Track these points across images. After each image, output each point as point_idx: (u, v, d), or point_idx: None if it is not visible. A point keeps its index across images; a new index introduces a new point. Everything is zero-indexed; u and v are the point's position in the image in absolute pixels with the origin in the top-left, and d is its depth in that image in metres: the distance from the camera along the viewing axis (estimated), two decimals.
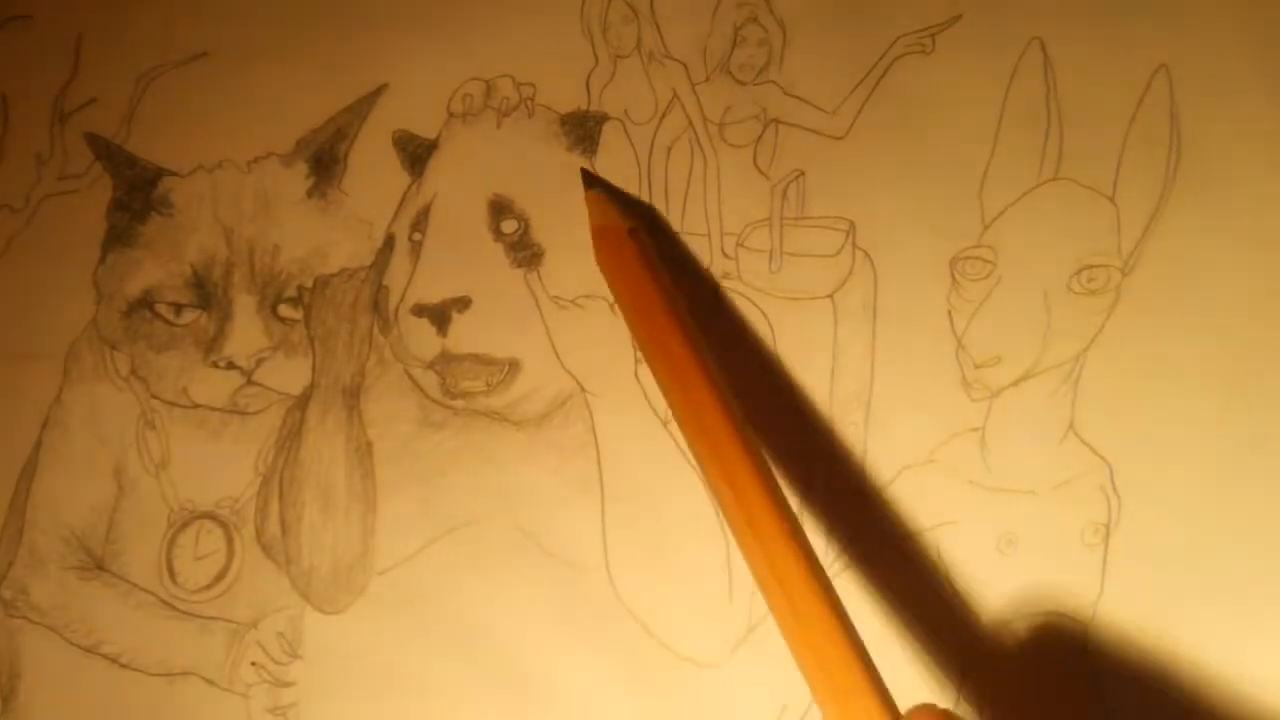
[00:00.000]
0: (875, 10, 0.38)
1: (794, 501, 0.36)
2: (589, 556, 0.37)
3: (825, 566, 0.35)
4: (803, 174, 0.38)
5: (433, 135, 0.40)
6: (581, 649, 0.37)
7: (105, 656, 0.39)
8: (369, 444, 0.39)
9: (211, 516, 0.39)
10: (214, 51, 0.41)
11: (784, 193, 0.38)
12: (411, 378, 0.39)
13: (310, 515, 0.39)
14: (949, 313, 0.36)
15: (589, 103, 0.39)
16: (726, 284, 0.38)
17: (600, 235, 0.37)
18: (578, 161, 0.39)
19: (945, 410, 0.36)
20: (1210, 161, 0.36)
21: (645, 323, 0.34)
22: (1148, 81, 0.36)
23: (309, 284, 0.40)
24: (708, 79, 0.39)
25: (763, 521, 0.30)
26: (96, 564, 0.39)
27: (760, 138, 0.38)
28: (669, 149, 0.39)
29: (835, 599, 0.30)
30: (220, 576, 0.39)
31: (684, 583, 0.36)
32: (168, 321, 0.40)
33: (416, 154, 0.40)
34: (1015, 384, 0.36)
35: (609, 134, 0.39)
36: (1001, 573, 0.35)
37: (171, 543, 0.39)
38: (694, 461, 0.33)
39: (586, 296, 0.38)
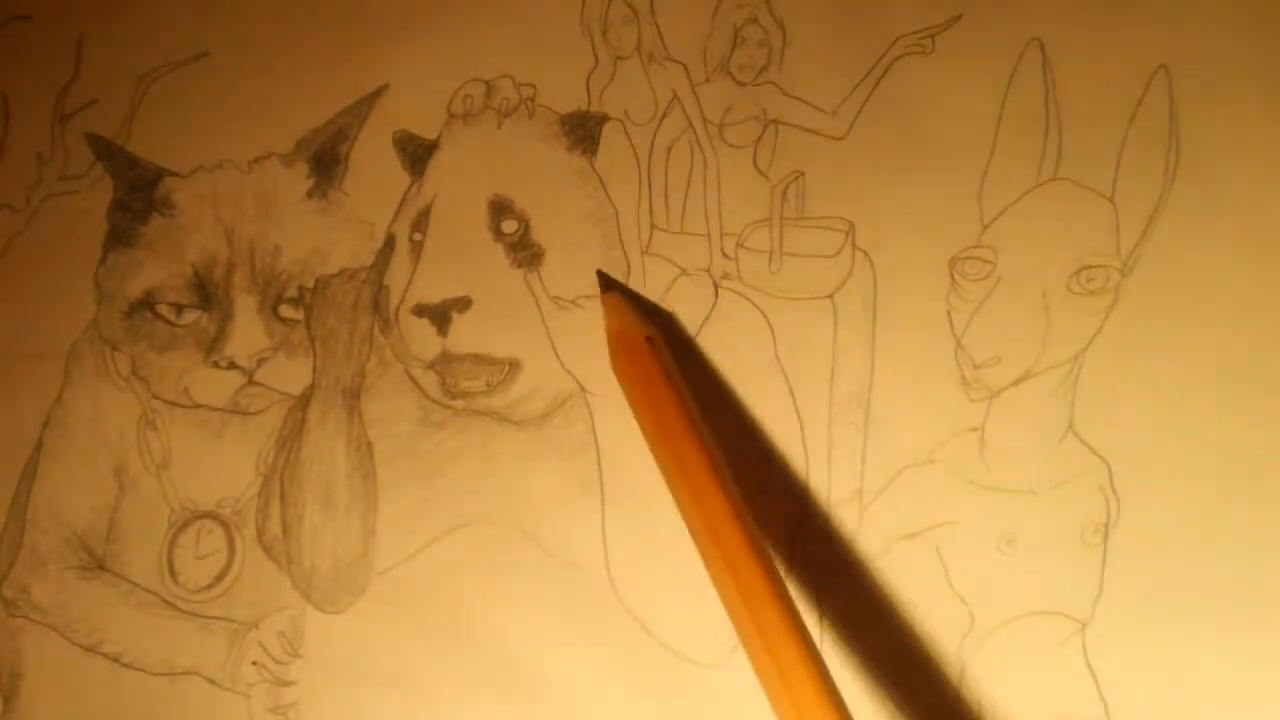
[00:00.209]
0: (875, 11, 0.38)
1: (793, 502, 0.36)
2: (589, 556, 0.37)
3: (827, 567, 0.36)
4: (802, 174, 0.38)
5: (433, 136, 0.40)
6: (581, 649, 0.37)
7: (107, 656, 0.39)
8: (369, 444, 0.39)
9: (212, 516, 0.39)
10: (215, 52, 0.41)
11: (784, 193, 0.38)
12: (412, 378, 0.39)
13: (311, 515, 0.39)
14: (948, 313, 0.36)
15: (589, 103, 0.39)
16: (726, 284, 0.38)
17: (617, 341, 0.36)
18: (578, 162, 0.39)
19: (945, 410, 0.36)
20: (1209, 162, 0.36)
21: (660, 431, 0.34)
22: (1147, 82, 0.36)
23: (310, 284, 0.40)
24: (708, 79, 0.39)
25: (780, 647, 0.31)
26: (97, 564, 0.39)
27: (760, 138, 0.38)
28: (669, 149, 0.39)
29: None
30: (221, 576, 0.39)
31: (684, 583, 0.36)
32: (169, 322, 0.40)
33: (417, 154, 0.40)
34: (1015, 384, 0.36)
35: (609, 134, 0.39)
36: (1001, 572, 0.35)
37: (172, 542, 0.39)
38: (707, 571, 0.33)
39: (587, 297, 0.38)
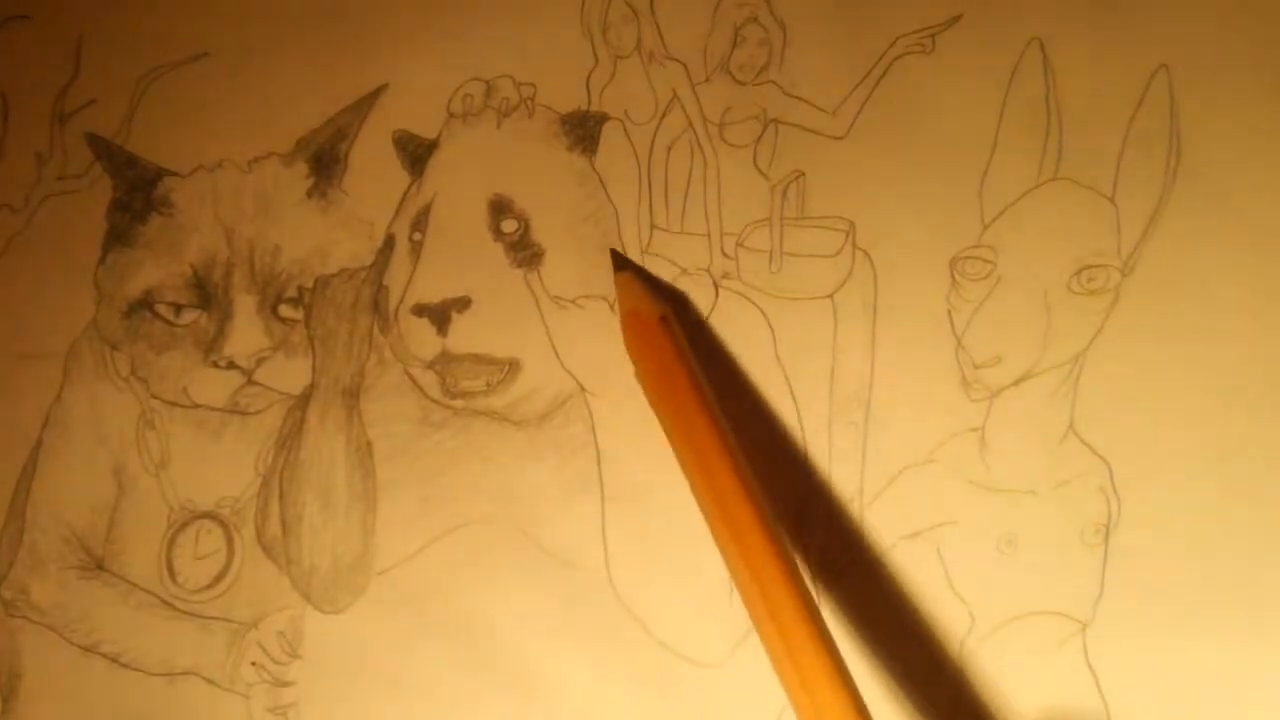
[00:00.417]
0: (875, 10, 0.38)
1: (793, 502, 0.36)
2: (589, 556, 0.37)
3: (827, 567, 0.36)
4: (803, 174, 0.38)
5: (433, 135, 0.40)
6: (581, 649, 0.37)
7: (105, 656, 0.39)
8: (369, 444, 0.39)
9: (212, 516, 0.39)
10: (214, 51, 0.41)
11: (784, 193, 0.38)
12: (411, 378, 0.39)
13: (310, 515, 0.39)
14: (949, 312, 0.36)
15: (589, 103, 0.39)
16: (726, 284, 0.38)
17: (631, 320, 0.36)
18: (578, 161, 0.39)
19: (945, 410, 0.36)
20: (1210, 162, 0.36)
21: (673, 410, 0.34)
22: (1147, 82, 0.36)
23: (309, 284, 0.40)
24: (708, 79, 0.39)
25: (791, 626, 0.31)
26: (96, 564, 0.39)
27: (760, 138, 0.38)
28: (669, 149, 0.39)
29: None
30: (220, 576, 0.39)
31: (684, 583, 0.36)
32: (168, 322, 0.40)
33: (417, 154, 0.40)
34: (1015, 384, 0.36)
35: (609, 134, 0.39)
36: (1001, 572, 0.35)
37: (171, 542, 0.39)
38: (719, 551, 0.33)
39: (586, 296, 0.38)
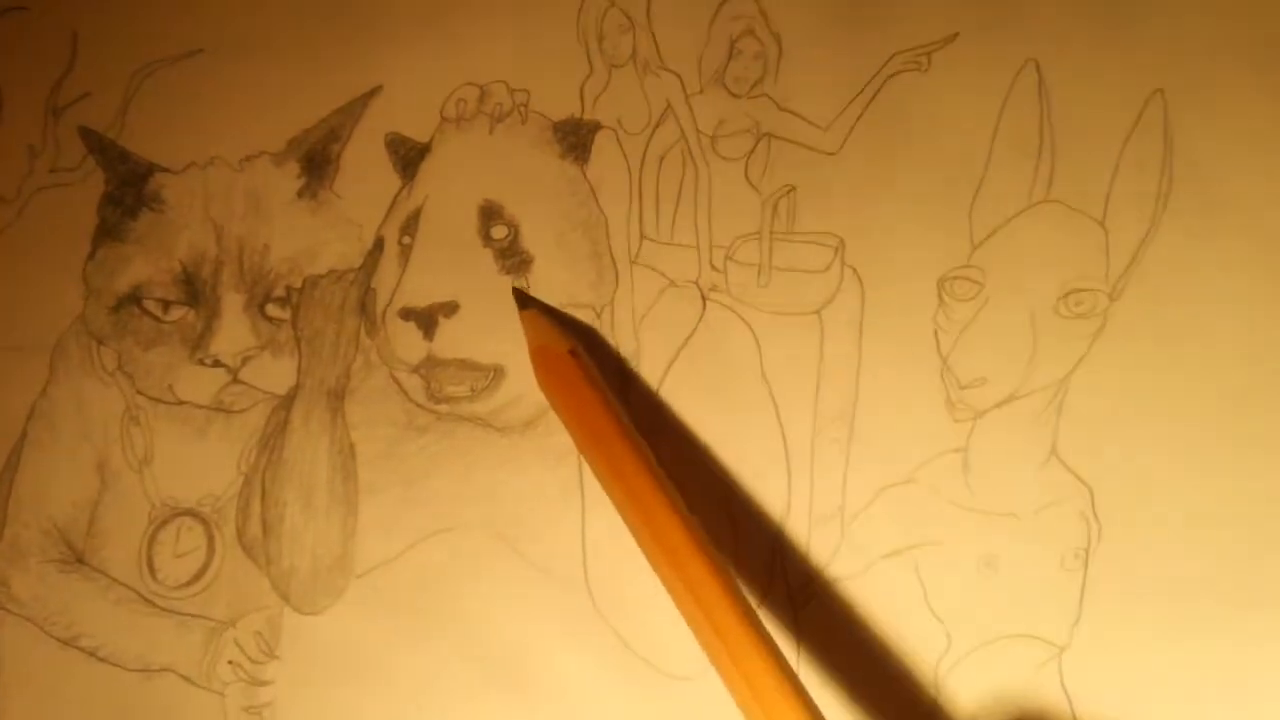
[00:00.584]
0: (872, 27, 0.38)
1: (773, 520, 0.36)
2: (567, 565, 0.37)
3: (806, 584, 0.36)
4: (794, 189, 0.38)
5: (425, 139, 0.40)
6: (558, 657, 0.37)
7: (84, 650, 0.39)
8: (352, 446, 0.39)
9: (193, 514, 0.39)
10: (209, 49, 0.41)
11: (774, 207, 0.38)
12: (397, 381, 0.39)
13: (291, 516, 0.39)
14: (935, 332, 0.36)
15: (582, 111, 0.39)
16: (714, 296, 0.38)
17: (540, 356, 0.36)
18: (569, 169, 0.39)
19: (929, 430, 0.36)
20: (1202, 188, 0.36)
21: (592, 441, 0.35)
22: (1143, 106, 0.36)
23: (297, 284, 0.40)
24: (702, 91, 0.39)
25: (731, 632, 0.31)
26: (77, 557, 0.39)
27: (752, 151, 0.38)
28: (661, 159, 0.39)
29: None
30: (200, 574, 0.39)
31: (661, 594, 0.36)
32: (155, 318, 0.40)
33: (408, 157, 0.40)
34: (999, 406, 0.36)
35: (601, 142, 0.39)
36: (980, 594, 0.35)
37: (152, 539, 0.39)
38: (652, 568, 0.33)
39: (575, 305, 0.38)
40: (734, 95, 0.39)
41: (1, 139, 0.42)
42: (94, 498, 0.40)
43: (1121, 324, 0.35)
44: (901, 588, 0.35)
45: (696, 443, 0.37)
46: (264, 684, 0.38)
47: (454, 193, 0.39)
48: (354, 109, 0.40)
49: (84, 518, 0.40)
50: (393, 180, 0.40)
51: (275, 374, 0.39)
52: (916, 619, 0.35)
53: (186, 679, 0.38)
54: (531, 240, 0.39)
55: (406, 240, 0.39)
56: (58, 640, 0.39)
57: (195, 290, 0.40)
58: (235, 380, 0.39)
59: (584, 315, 0.38)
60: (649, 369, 0.37)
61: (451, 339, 0.38)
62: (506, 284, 0.39)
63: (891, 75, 0.38)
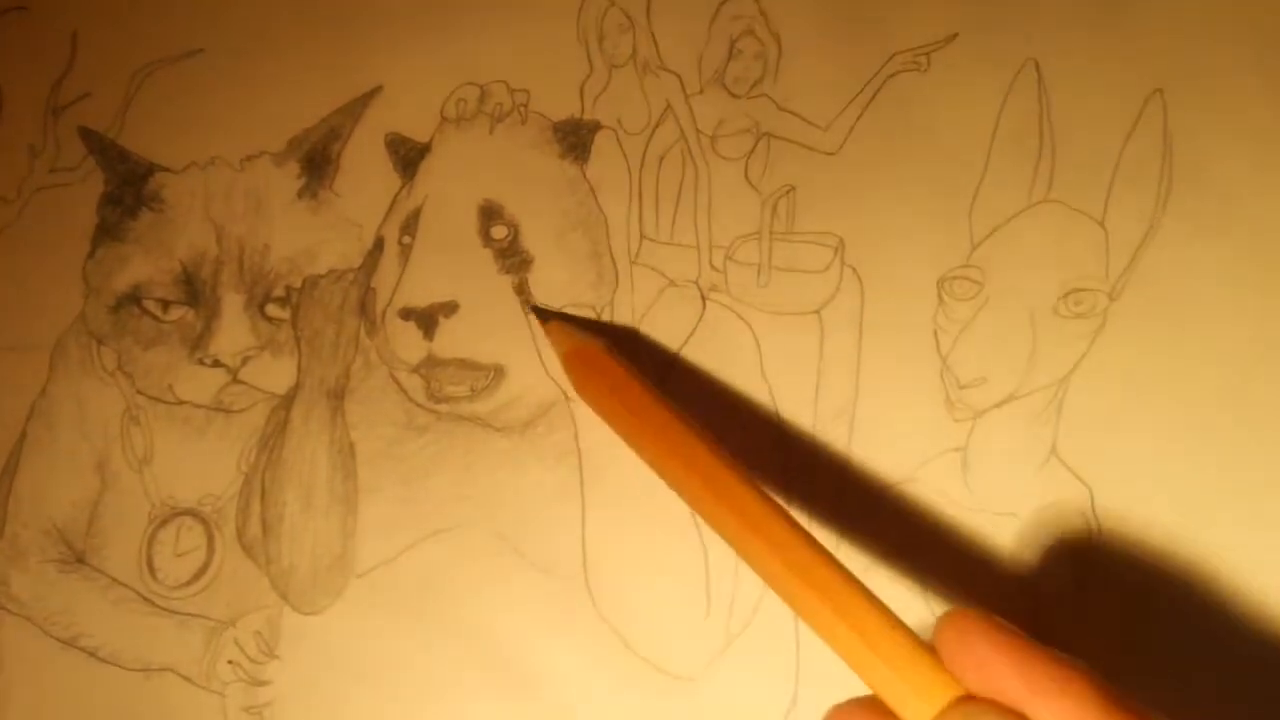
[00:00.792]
0: (871, 27, 0.38)
1: None
2: (568, 565, 0.37)
3: None
4: (793, 189, 0.38)
5: (425, 139, 0.40)
6: (558, 657, 0.37)
7: (84, 650, 0.39)
8: (352, 446, 0.39)
9: (193, 514, 0.39)
10: (209, 49, 0.41)
11: (774, 207, 0.38)
12: (396, 381, 0.39)
13: (291, 515, 0.39)
14: (935, 332, 0.36)
15: (582, 111, 0.39)
16: (714, 296, 0.38)
17: (574, 360, 0.35)
18: (569, 169, 0.39)
19: (928, 430, 0.36)
20: (1202, 189, 0.36)
21: (645, 428, 0.32)
22: (1142, 106, 0.36)
23: (297, 284, 0.40)
24: (702, 91, 0.39)
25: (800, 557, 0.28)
26: (77, 557, 0.39)
27: (752, 151, 0.38)
28: (661, 159, 0.39)
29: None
30: (200, 574, 0.39)
31: (662, 594, 0.36)
32: (155, 318, 0.40)
33: (408, 157, 0.40)
34: (999, 405, 0.36)
35: (601, 142, 0.39)
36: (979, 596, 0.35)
37: (152, 539, 0.39)
38: (739, 555, 0.30)
39: (574, 305, 0.38)
40: (734, 95, 0.39)
41: (2, 139, 0.42)
42: (94, 497, 0.40)
43: (1121, 324, 0.35)
44: (901, 589, 0.35)
45: None
46: (264, 684, 0.38)
47: (454, 193, 0.39)
48: (354, 109, 0.40)
49: (84, 517, 0.40)
50: (393, 180, 0.40)
51: (275, 374, 0.39)
52: (914, 619, 0.35)
53: (186, 679, 0.38)
54: (531, 240, 0.39)
55: (406, 240, 0.39)
56: (58, 640, 0.39)
57: (195, 290, 0.40)
58: (235, 380, 0.39)
59: (583, 315, 0.38)
60: (649, 369, 0.37)
61: (451, 339, 0.38)
62: (506, 284, 0.39)
63: (891, 75, 0.38)
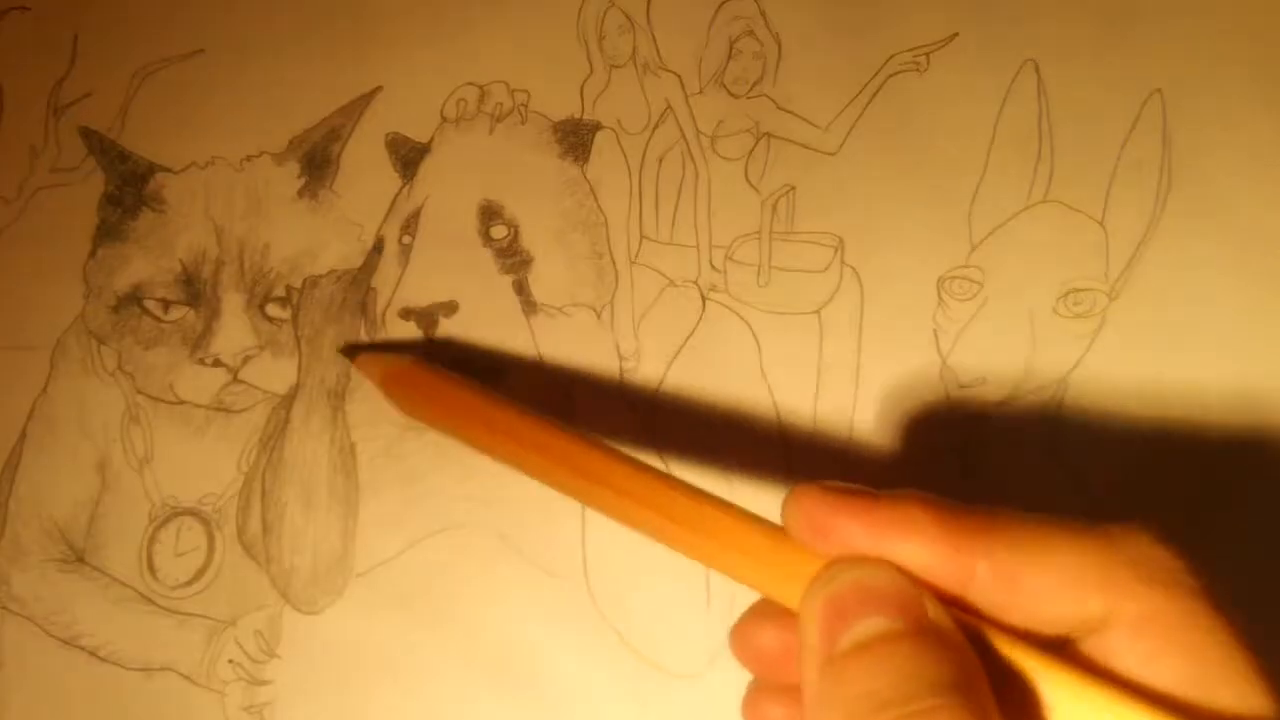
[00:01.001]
0: (871, 27, 0.38)
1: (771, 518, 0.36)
2: (568, 565, 0.37)
3: None
4: (793, 189, 0.38)
5: (425, 139, 0.40)
6: (558, 657, 0.37)
7: (84, 649, 0.39)
8: (352, 445, 0.39)
9: (193, 513, 0.39)
10: (210, 49, 0.41)
11: (774, 207, 0.38)
12: None
13: (292, 515, 0.39)
14: (935, 332, 0.36)
15: (582, 111, 0.39)
16: (714, 296, 0.38)
17: (389, 383, 0.35)
18: (569, 169, 0.39)
19: (928, 430, 0.36)
20: (1201, 188, 0.36)
21: (480, 426, 0.32)
22: (1141, 106, 0.36)
23: (298, 284, 0.40)
24: (702, 91, 0.39)
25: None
26: (77, 556, 0.39)
27: (752, 151, 0.38)
28: (661, 159, 0.39)
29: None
30: (200, 573, 0.39)
31: (661, 594, 0.36)
32: (156, 318, 0.40)
33: (408, 157, 0.40)
34: (999, 405, 0.36)
35: (601, 143, 0.39)
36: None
37: (152, 538, 0.39)
38: (606, 513, 0.29)
39: (574, 305, 0.38)
40: (734, 95, 0.39)
41: (2, 138, 0.42)
42: (94, 497, 0.40)
43: (1121, 324, 0.35)
44: None
45: (696, 442, 0.37)
46: (264, 683, 0.38)
47: (454, 193, 0.39)
48: (355, 109, 0.40)
49: (84, 517, 0.40)
50: (393, 180, 0.40)
51: (275, 374, 0.39)
52: None
53: (186, 678, 0.38)
54: (531, 240, 0.39)
55: (407, 240, 0.39)
56: (58, 639, 0.39)
57: (195, 290, 0.40)
58: (235, 380, 0.39)
59: (584, 315, 0.38)
60: (649, 369, 0.38)
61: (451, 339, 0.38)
62: (506, 284, 0.39)
63: (891, 75, 0.38)
